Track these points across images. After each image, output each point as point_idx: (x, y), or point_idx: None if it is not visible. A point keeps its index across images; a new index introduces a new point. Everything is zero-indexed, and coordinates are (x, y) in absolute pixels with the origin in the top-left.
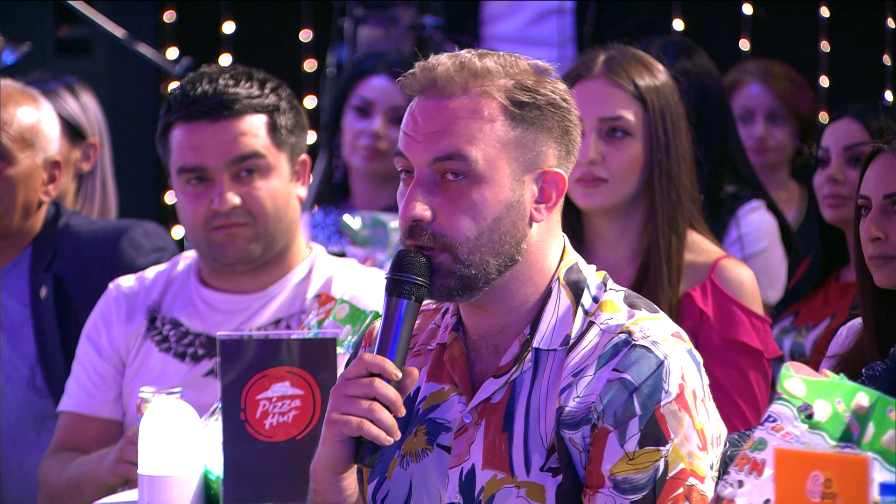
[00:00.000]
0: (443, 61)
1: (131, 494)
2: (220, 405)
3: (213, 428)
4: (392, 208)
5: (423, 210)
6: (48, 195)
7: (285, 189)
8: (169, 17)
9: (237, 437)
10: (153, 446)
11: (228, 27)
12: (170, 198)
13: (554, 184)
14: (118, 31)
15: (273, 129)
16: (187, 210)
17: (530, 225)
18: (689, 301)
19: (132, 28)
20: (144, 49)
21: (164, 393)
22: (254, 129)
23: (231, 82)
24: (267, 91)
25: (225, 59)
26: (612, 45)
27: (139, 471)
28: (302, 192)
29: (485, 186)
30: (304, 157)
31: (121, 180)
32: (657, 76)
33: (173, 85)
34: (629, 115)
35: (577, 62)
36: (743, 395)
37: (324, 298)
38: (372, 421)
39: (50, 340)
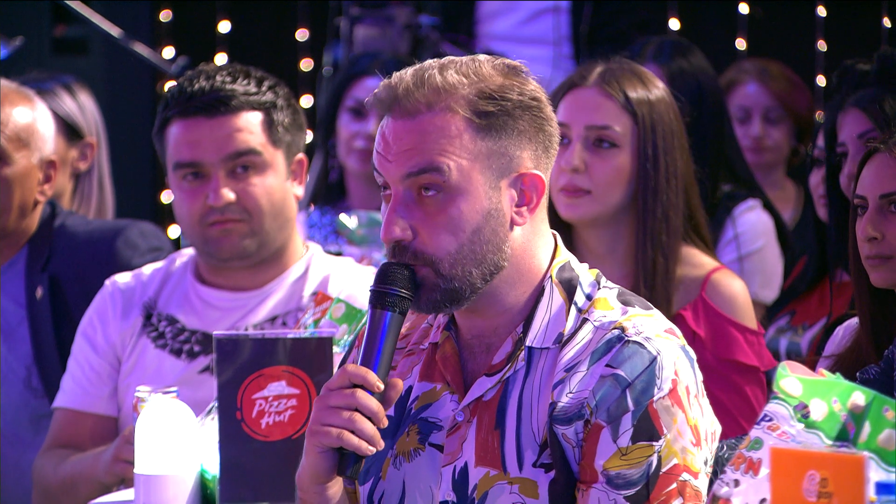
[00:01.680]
0: (405, 79)
1: (127, 494)
2: (216, 404)
3: (210, 427)
4: None
5: (403, 230)
6: (44, 195)
7: (281, 187)
8: (165, 16)
9: (233, 437)
10: (149, 445)
11: (224, 26)
12: (166, 197)
13: (533, 186)
14: (114, 31)
15: (269, 126)
16: (183, 206)
17: (511, 229)
18: (681, 322)
19: (128, 27)
20: (140, 48)
21: (160, 392)
22: (250, 125)
23: (228, 79)
24: (264, 89)
25: (221, 59)
26: (612, 58)
27: (135, 470)
28: (299, 191)
29: (461, 199)
30: (300, 156)
31: (117, 180)
32: (652, 91)
33: (170, 84)
34: (617, 126)
35: (575, 71)
36: (743, 413)
37: (320, 297)
38: (353, 431)
39: (46, 340)
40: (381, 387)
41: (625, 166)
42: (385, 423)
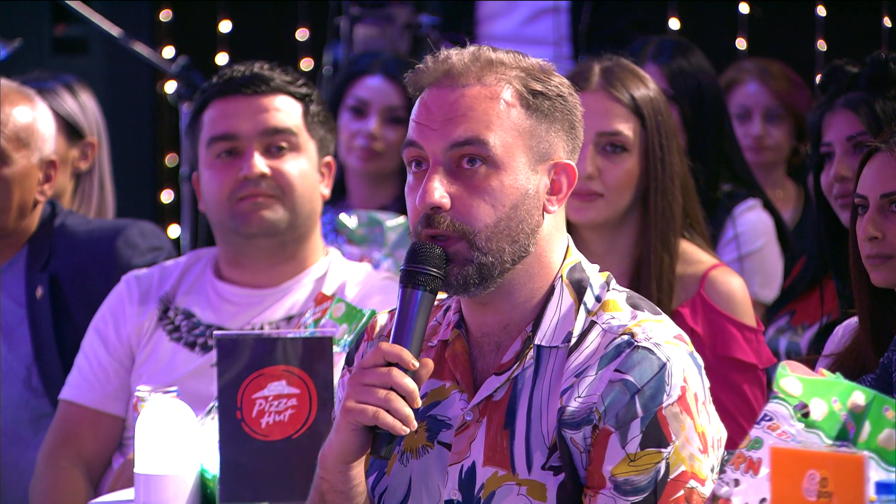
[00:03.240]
0: (455, 53)
1: (127, 493)
2: (216, 404)
3: (210, 427)
4: (388, 207)
5: (441, 197)
6: (44, 195)
7: (313, 176)
8: (165, 15)
9: (233, 436)
10: (149, 445)
11: (225, 26)
12: (166, 197)
13: (565, 175)
14: (114, 30)
15: (306, 114)
16: (213, 182)
17: (543, 216)
18: (679, 319)
19: (128, 27)
20: (141, 48)
21: (160, 391)
22: (288, 107)
23: (266, 67)
24: (300, 83)
25: (221, 58)
26: (604, 55)
27: (135, 470)
28: (325, 191)
29: (503, 173)
30: (329, 158)
31: (117, 180)
32: (651, 88)
33: (170, 84)
34: (627, 131)
35: (572, 73)
36: (741, 411)
37: (320, 297)
38: (388, 411)
39: (46, 340)
40: (416, 365)
41: (634, 169)
42: (419, 403)
